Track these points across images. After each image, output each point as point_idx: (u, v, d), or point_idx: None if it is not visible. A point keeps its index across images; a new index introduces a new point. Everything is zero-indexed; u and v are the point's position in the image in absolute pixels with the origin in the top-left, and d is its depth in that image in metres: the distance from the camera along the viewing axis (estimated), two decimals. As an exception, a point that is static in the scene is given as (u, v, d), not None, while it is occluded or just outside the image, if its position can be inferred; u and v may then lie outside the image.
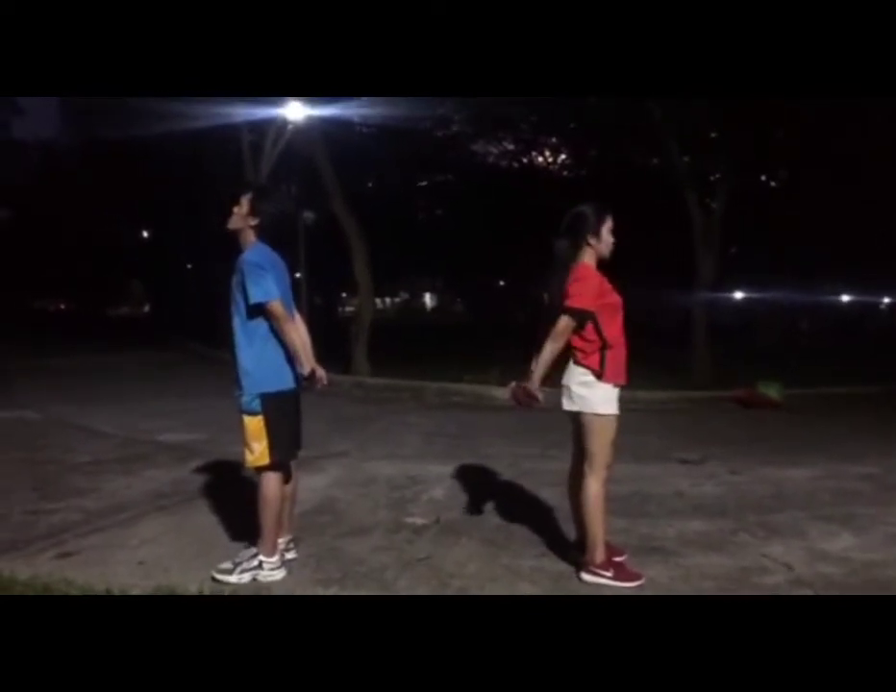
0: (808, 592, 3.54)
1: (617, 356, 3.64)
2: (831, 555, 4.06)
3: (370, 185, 23.56)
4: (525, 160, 25.23)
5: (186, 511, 4.80)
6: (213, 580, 3.60)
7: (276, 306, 3.55)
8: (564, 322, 3.55)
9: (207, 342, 20.58)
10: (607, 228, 3.66)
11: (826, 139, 13.87)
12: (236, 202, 3.69)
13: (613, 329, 3.64)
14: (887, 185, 14.94)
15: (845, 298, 24.82)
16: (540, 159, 25.02)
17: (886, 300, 25.03)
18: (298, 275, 16.24)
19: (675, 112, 11.40)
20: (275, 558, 3.70)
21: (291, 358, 3.64)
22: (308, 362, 3.66)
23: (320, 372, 3.69)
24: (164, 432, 7.67)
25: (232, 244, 3.78)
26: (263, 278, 3.52)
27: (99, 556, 3.99)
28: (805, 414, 9.60)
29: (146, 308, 46.00)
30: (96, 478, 5.67)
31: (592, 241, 3.64)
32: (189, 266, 30.67)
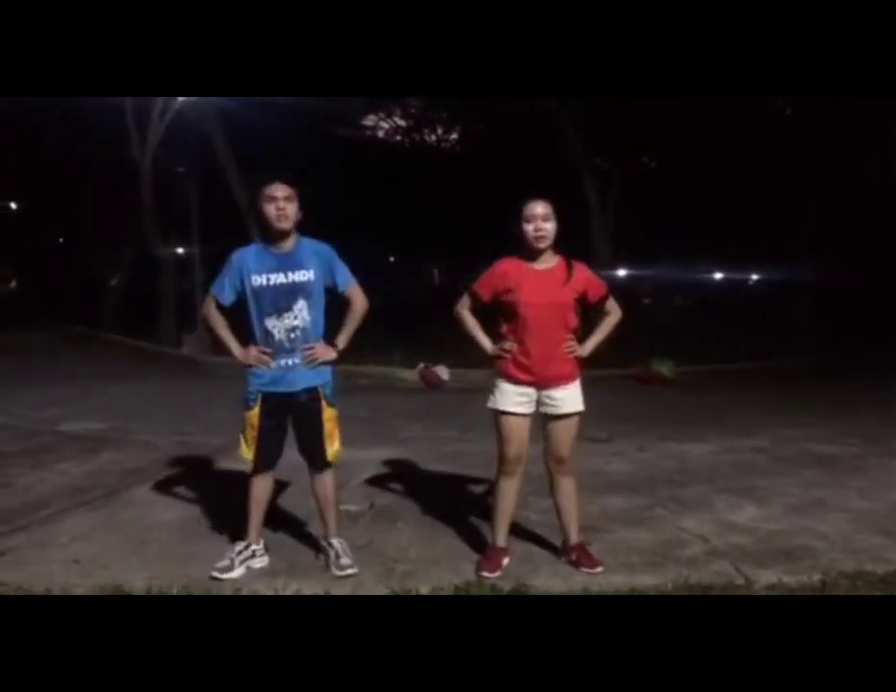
0: (725, 561, 3.81)
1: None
2: (738, 526, 4.37)
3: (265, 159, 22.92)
4: (416, 137, 25.25)
5: (110, 507, 4.67)
6: (214, 578, 3.52)
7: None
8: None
9: (85, 323, 19.61)
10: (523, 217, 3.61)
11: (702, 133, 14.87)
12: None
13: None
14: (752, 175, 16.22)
15: (717, 275, 26.21)
16: (432, 137, 25.09)
17: (754, 277, 26.51)
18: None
19: (572, 104, 11.76)
20: (262, 543, 3.78)
21: None
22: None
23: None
24: (64, 421, 7.37)
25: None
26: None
27: (28, 555, 3.84)
28: (696, 390, 10.21)
29: (13, 285, 43.06)
30: (4, 472, 5.42)
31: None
32: (62, 241, 28.94)
